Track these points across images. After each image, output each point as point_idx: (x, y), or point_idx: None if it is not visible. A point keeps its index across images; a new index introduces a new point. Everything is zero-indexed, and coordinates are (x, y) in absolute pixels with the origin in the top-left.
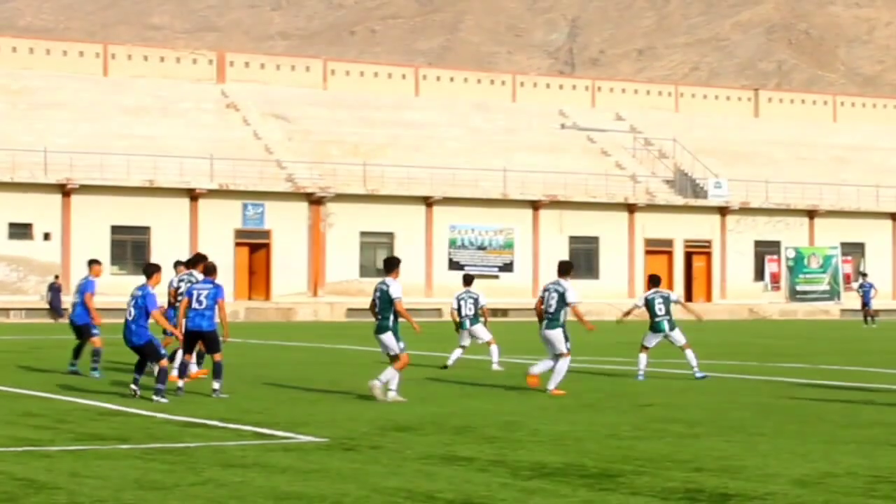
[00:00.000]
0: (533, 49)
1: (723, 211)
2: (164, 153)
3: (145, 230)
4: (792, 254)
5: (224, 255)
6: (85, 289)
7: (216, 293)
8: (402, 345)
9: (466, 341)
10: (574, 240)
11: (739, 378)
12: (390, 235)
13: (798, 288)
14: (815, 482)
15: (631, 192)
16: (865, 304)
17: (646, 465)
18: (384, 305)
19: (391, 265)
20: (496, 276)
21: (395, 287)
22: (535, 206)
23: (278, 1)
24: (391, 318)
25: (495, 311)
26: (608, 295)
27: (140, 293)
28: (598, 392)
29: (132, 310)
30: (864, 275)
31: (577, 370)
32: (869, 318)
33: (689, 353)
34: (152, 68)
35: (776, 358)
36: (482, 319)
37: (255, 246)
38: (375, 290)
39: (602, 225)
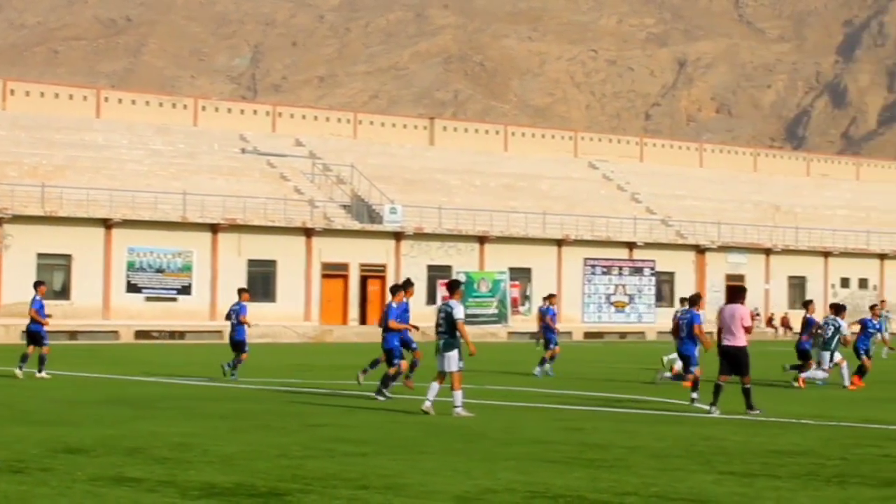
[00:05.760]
0: (216, 74)
1: (398, 236)
2: None
3: None
4: (463, 278)
5: None
6: (240, 311)
7: None
8: (461, 364)
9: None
10: (252, 263)
11: (409, 398)
12: (68, 258)
13: (468, 311)
14: (475, 498)
15: (309, 217)
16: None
17: (313, 483)
18: (449, 325)
19: (454, 287)
20: (174, 299)
21: (459, 309)
22: (214, 229)
23: None
24: (457, 336)
25: (172, 334)
26: (284, 318)
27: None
28: (270, 413)
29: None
30: (552, 296)
31: (250, 392)
32: (540, 341)
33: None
34: None
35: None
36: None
37: None
38: (440, 311)
39: (280, 248)
